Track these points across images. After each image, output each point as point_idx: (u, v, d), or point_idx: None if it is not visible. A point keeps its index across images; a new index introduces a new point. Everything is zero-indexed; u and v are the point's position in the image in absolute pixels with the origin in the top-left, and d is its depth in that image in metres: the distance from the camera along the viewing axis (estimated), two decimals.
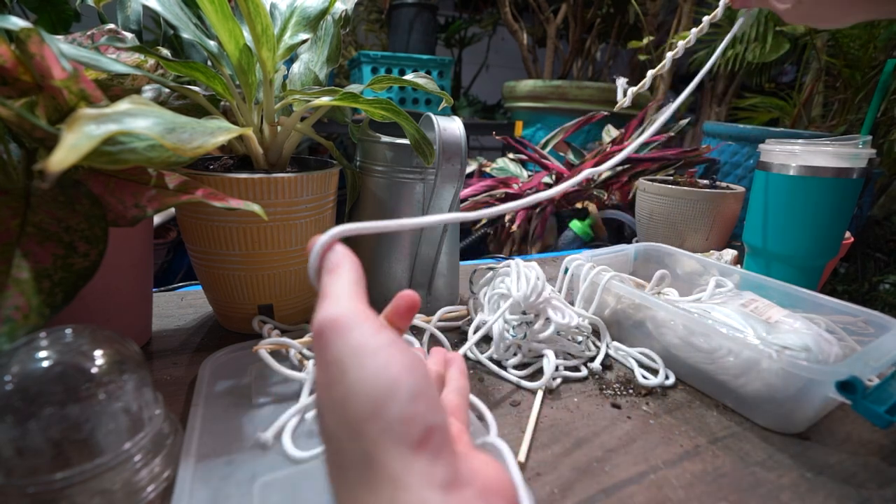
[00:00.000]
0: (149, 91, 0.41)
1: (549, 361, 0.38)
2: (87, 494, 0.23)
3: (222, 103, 0.45)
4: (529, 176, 1.15)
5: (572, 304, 0.49)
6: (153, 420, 0.27)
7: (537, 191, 1.05)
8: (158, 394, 0.29)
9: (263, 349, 0.36)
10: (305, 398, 0.33)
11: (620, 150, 1.03)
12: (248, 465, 0.28)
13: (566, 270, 0.50)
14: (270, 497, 0.26)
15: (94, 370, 0.24)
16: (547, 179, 1.10)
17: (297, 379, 0.35)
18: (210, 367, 0.37)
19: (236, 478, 0.27)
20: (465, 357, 0.42)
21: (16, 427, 0.22)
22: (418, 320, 0.44)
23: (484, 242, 1.13)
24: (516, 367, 0.41)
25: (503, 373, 0.40)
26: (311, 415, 0.32)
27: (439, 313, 0.45)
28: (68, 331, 0.25)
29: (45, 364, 0.23)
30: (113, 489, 0.24)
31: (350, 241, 0.54)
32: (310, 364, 0.36)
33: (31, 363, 0.23)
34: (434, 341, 0.44)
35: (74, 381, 0.23)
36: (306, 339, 0.38)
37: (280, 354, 0.38)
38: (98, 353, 0.25)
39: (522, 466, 0.29)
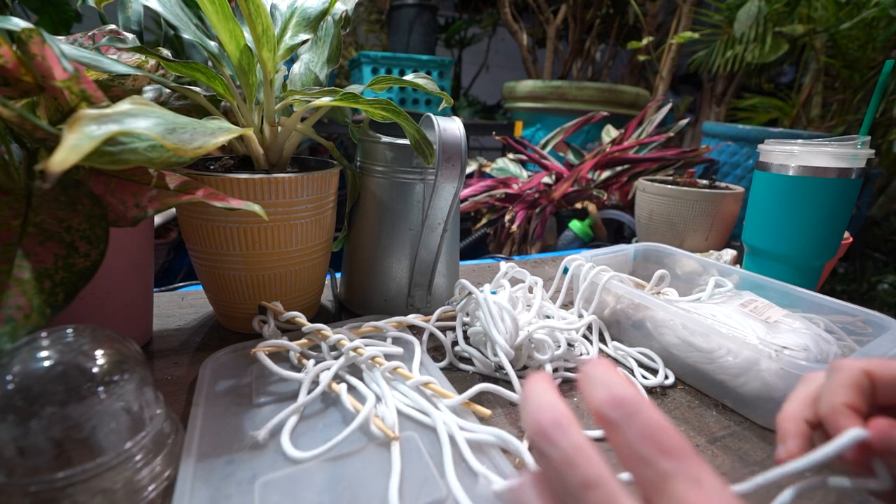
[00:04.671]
0: (149, 91, 0.42)
1: (547, 370, 0.38)
2: (89, 494, 0.23)
3: (223, 104, 0.45)
4: (529, 176, 1.15)
5: (571, 303, 0.49)
6: (154, 419, 0.27)
7: (537, 191, 1.06)
8: (159, 393, 0.29)
9: (261, 351, 0.36)
10: (303, 397, 0.33)
11: (620, 150, 1.03)
12: (248, 464, 0.28)
13: (565, 270, 0.50)
14: (270, 496, 0.26)
15: (95, 370, 0.24)
16: (547, 179, 1.10)
17: (296, 379, 0.35)
18: (211, 367, 0.37)
19: (237, 477, 0.27)
20: (459, 357, 0.42)
21: (17, 426, 0.22)
22: (417, 320, 0.44)
23: (484, 242, 1.13)
24: (515, 368, 0.41)
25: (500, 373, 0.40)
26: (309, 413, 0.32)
27: (438, 312, 0.45)
28: (69, 330, 0.25)
29: (47, 364, 0.24)
30: (114, 488, 0.24)
31: (350, 241, 0.54)
32: (310, 364, 0.36)
33: (33, 363, 0.23)
34: (433, 340, 0.44)
35: (75, 380, 0.24)
36: (303, 340, 0.39)
37: (280, 355, 0.38)
38: (99, 352, 0.25)
39: (522, 467, 0.29)
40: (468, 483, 0.26)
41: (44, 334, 0.25)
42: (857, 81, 1.31)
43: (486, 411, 0.33)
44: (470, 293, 0.42)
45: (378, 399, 0.33)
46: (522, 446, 0.29)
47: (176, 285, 0.58)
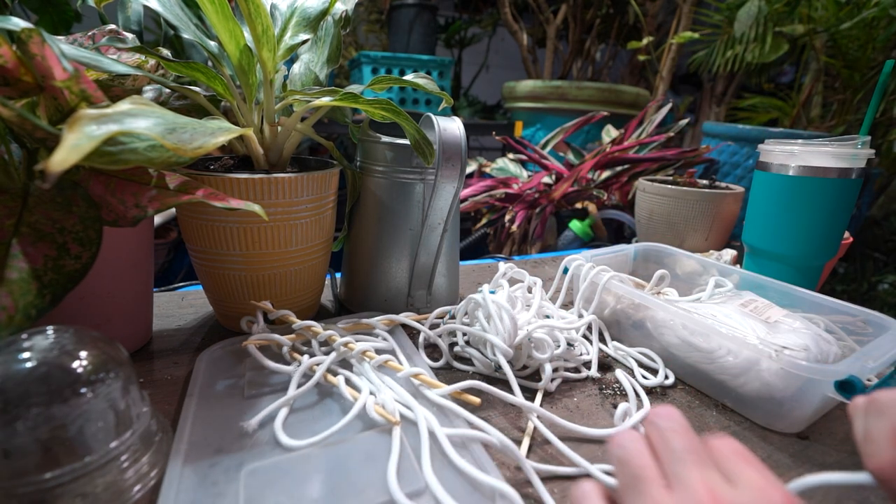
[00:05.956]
0: (149, 91, 0.42)
1: (547, 369, 0.38)
2: (76, 494, 0.23)
3: (223, 104, 0.45)
4: (529, 176, 1.15)
5: (571, 303, 0.49)
6: (141, 418, 0.27)
7: (537, 191, 1.06)
8: (145, 392, 0.29)
9: (252, 344, 0.37)
10: (293, 390, 0.34)
11: (620, 150, 1.03)
12: (237, 453, 0.29)
13: (566, 270, 0.50)
14: (254, 482, 0.27)
15: (79, 370, 0.24)
16: (547, 179, 1.10)
17: (286, 372, 0.36)
18: (206, 361, 0.38)
19: (224, 465, 0.28)
20: (459, 358, 0.42)
21: (3, 429, 0.22)
22: (410, 319, 0.44)
23: (484, 242, 1.13)
24: (515, 368, 0.41)
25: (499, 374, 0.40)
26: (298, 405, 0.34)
27: (435, 312, 0.45)
28: (50, 331, 0.25)
29: (30, 365, 0.23)
30: (96, 491, 0.24)
31: (350, 241, 0.54)
32: (304, 358, 0.37)
33: (15, 364, 0.23)
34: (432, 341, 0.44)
35: (60, 381, 0.23)
36: (292, 335, 0.39)
37: (273, 350, 0.39)
38: (83, 352, 0.25)
39: (521, 467, 0.29)
40: (445, 475, 0.27)
41: (24, 335, 0.25)
42: (857, 81, 1.31)
43: (475, 399, 0.33)
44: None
45: (371, 393, 0.34)
46: (503, 438, 0.29)
47: (176, 285, 0.58)
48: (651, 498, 0.18)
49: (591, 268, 0.47)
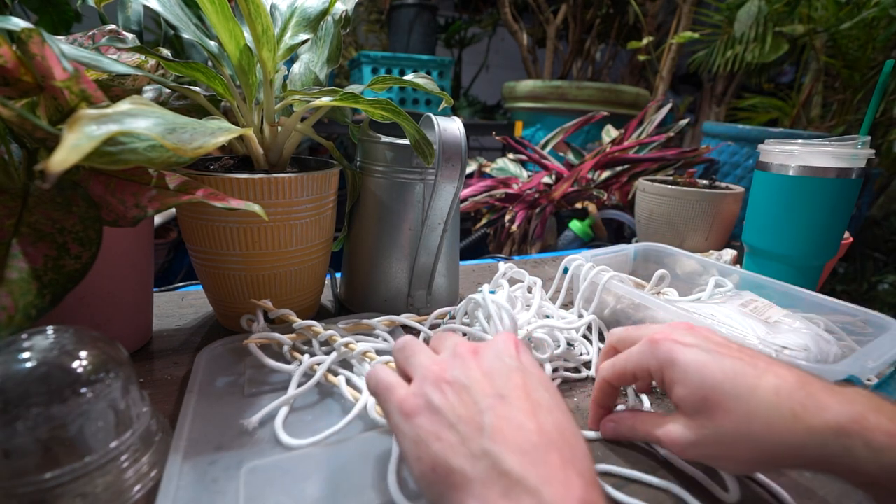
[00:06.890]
0: (149, 91, 0.42)
1: (547, 369, 0.38)
2: (76, 494, 0.23)
3: (223, 104, 0.45)
4: (529, 176, 1.15)
5: (571, 303, 0.49)
6: (141, 418, 0.27)
7: (537, 191, 1.06)
8: (145, 392, 0.29)
9: (253, 343, 0.37)
10: (294, 389, 0.34)
11: (620, 150, 1.03)
12: (237, 451, 0.29)
13: (566, 270, 0.50)
14: (254, 480, 0.27)
15: (79, 370, 0.24)
16: (547, 179, 1.10)
17: (287, 371, 0.36)
18: (206, 358, 0.38)
19: (224, 463, 0.28)
20: None
21: (3, 429, 0.22)
22: (411, 320, 0.44)
23: (484, 242, 1.13)
24: None
25: None
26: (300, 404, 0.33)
27: (435, 314, 0.45)
28: (50, 331, 0.25)
29: (30, 365, 0.23)
30: (96, 491, 0.24)
31: (350, 241, 0.54)
32: (305, 358, 0.37)
33: (15, 364, 0.23)
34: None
35: (60, 381, 0.23)
36: (293, 335, 0.39)
37: (273, 349, 0.39)
38: (83, 352, 0.25)
39: None
40: None
41: (24, 335, 0.24)
42: (857, 81, 1.31)
43: None
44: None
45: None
46: None
47: (176, 285, 0.58)
48: (419, 359, 0.26)
49: (591, 268, 0.47)
